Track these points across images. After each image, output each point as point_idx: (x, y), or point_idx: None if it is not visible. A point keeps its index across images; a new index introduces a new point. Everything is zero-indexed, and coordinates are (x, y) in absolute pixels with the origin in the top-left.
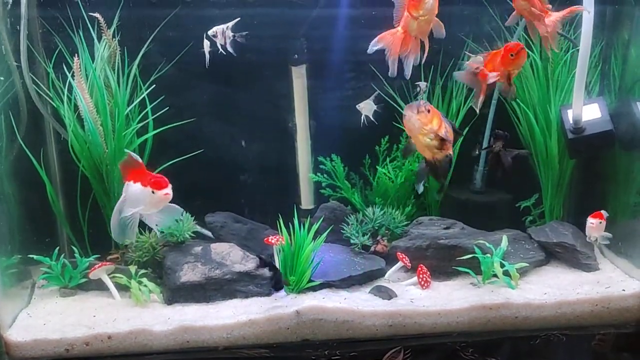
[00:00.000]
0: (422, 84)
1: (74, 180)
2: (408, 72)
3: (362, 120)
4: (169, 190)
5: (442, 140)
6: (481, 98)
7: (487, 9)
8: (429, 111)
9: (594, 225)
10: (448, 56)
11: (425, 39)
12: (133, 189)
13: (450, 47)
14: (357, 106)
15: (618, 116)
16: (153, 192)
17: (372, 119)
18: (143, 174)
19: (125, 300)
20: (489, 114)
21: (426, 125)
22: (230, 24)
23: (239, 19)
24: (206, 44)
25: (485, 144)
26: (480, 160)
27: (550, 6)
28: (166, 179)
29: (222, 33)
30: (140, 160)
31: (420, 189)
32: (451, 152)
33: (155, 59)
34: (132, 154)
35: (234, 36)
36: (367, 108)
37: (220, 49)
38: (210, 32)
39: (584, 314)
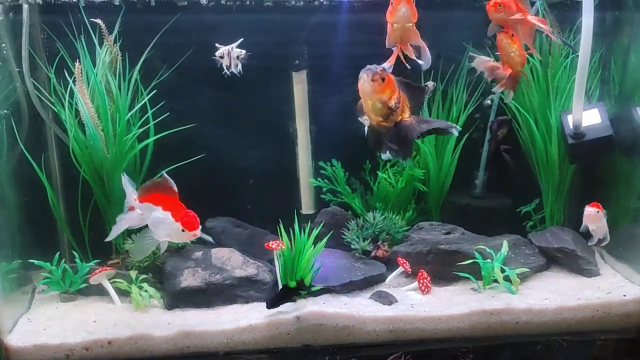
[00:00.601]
0: (430, 84)
1: (74, 185)
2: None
3: (365, 132)
4: (198, 232)
5: (389, 111)
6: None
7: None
8: (383, 80)
9: (591, 214)
10: (448, 62)
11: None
12: (161, 216)
13: (450, 53)
14: (359, 119)
15: (618, 121)
16: (183, 231)
17: None
18: (174, 204)
19: (125, 305)
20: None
21: (377, 93)
22: (234, 45)
23: (242, 39)
24: (226, 51)
25: (485, 146)
26: (481, 165)
27: (529, 7)
28: (197, 217)
29: (228, 54)
30: (175, 188)
31: (386, 156)
32: (406, 120)
33: (156, 64)
34: (169, 179)
35: (237, 57)
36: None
37: (226, 70)
38: (217, 54)
39: (585, 319)
